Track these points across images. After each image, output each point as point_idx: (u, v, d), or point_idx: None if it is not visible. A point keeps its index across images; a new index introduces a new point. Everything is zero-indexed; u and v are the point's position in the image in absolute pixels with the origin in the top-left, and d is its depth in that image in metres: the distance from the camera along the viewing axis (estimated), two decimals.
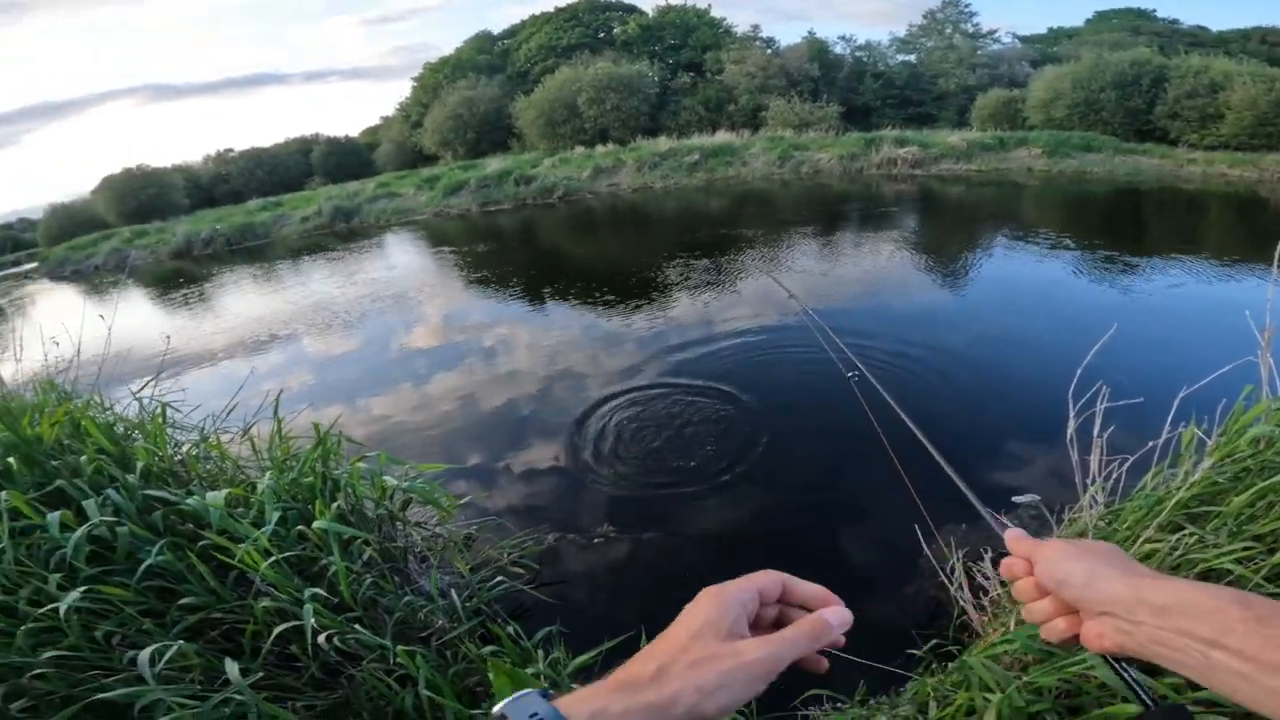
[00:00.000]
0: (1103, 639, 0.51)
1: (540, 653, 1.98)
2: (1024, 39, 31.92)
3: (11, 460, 1.92)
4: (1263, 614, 0.41)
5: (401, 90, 52.41)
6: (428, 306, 7.73)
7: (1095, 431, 2.12)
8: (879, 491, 3.34)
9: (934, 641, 2.17)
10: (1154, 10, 34.17)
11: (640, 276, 7.90)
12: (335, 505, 2.03)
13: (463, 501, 3.00)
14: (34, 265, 21.27)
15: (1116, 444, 2.13)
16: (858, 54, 28.78)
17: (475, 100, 26.76)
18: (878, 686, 2.12)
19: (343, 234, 15.23)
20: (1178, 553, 1.64)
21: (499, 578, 2.52)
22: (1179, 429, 1.95)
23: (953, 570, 2.49)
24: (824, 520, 3.16)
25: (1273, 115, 15.83)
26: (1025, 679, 1.53)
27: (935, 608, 2.61)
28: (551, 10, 31.09)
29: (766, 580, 0.49)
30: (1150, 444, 2.04)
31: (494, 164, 17.76)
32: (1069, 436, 2.16)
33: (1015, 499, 3.21)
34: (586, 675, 1.98)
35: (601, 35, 30.10)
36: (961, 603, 2.39)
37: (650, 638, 0.46)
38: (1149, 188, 12.90)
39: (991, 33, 28.28)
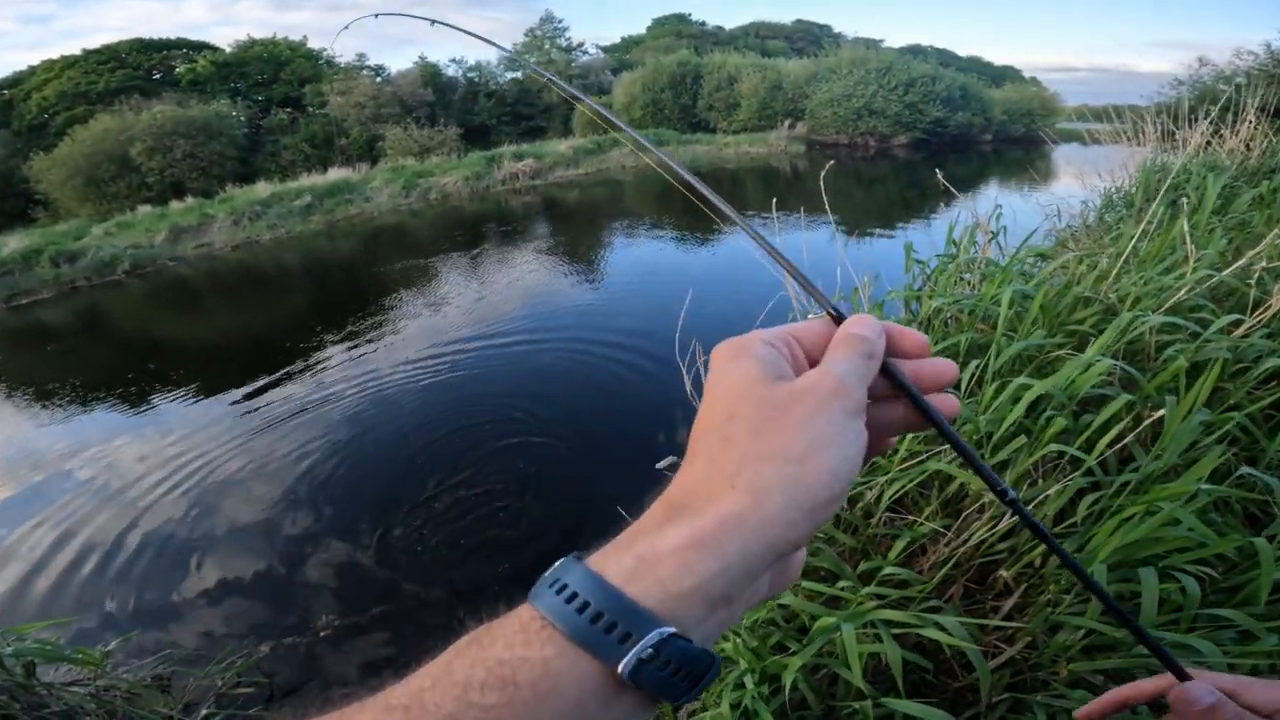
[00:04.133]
0: None
1: None
2: (605, 49, 36.78)
3: None
4: None
5: None
6: None
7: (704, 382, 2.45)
8: (566, 495, 3.55)
9: None
10: (690, 14, 42.36)
11: (272, 343, 6.73)
12: None
13: (110, 648, 2.46)
14: None
15: None
16: (470, 75, 29.69)
17: None
18: None
19: None
20: None
21: (224, 711, 2.30)
22: None
23: None
24: (538, 541, 3.20)
25: (769, 99, 21.50)
26: (744, 620, 1.57)
27: None
28: (79, 53, 24.39)
29: (819, 325, 0.36)
30: None
31: (13, 243, 12.95)
32: (688, 393, 2.41)
33: (658, 466, 3.62)
34: None
35: (158, 76, 24.92)
36: None
37: None
38: (706, 169, 16.37)
39: (580, 45, 32.05)
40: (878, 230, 9.22)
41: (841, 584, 1.44)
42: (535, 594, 0.28)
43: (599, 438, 4.08)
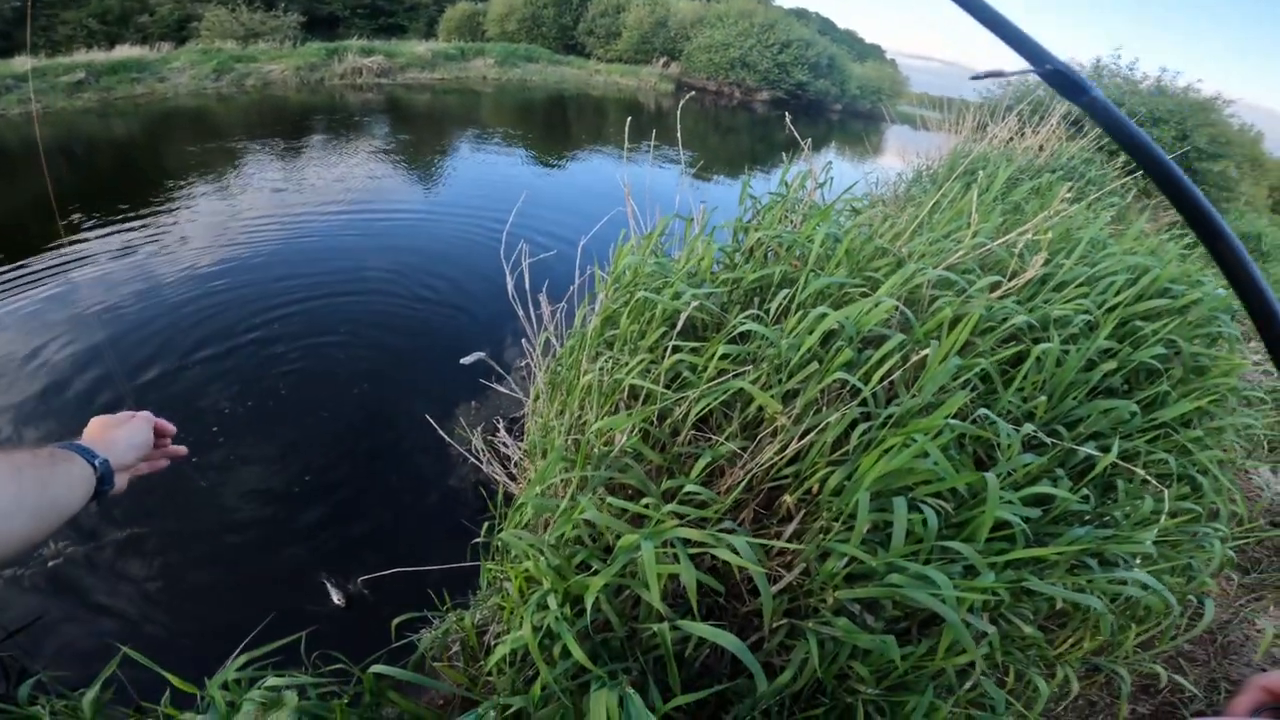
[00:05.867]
0: None
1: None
2: None
3: None
4: None
5: None
6: None
7: (527, 285, 2.33)
8: (376, 394, 3.28)
9: (487, 524, 2.12)
10: None
11: (7, 227, 5.42)
12: None
13: None
14: None
15: (557, 295, 2.39)
16: None
17: None
18: (458, 587, 2.08)
19: None
20: (608, 378, 1.77)
21: None
22: (588, 270, 2.23)
23: (478, 450, 2.53)
24: (345, 455, 2.94)
25: (651, 35, 20.88)
26: (548, 537, 1.52)
27: (480, 489, 2.63)
28: None
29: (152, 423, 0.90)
30: (571, 288, 2.32)
31: None
32: (510, 294, 2.33)
33: (463, 360, 3.42)
34: None
35: None
36: (496, 477, 2.44)
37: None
38: (570, 94, 15.67)
39: None
40: (724, 175, 9.52)
41: (645, 501, 1.44)
42: (71, 447, 0.77)
43: (409, 338, 3.88)
